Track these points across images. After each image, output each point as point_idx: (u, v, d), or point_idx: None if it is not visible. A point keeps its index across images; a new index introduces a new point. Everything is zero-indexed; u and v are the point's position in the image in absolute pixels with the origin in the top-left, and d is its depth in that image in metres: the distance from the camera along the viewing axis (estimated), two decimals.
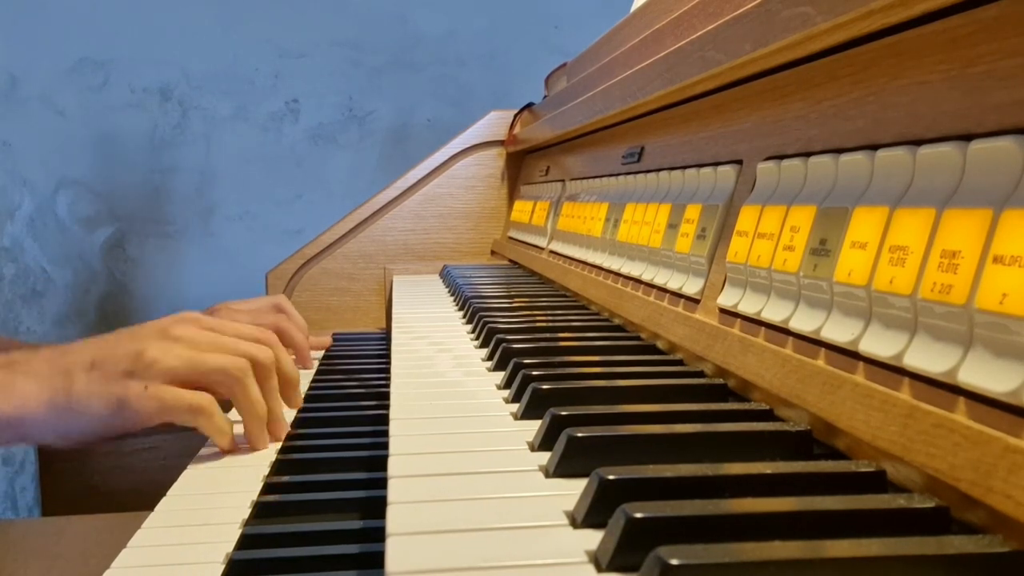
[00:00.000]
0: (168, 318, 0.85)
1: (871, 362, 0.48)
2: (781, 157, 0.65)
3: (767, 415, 0.56)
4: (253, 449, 0.82)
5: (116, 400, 0.77)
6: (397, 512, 0.45)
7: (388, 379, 0.78)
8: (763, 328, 0.61)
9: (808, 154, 0.61)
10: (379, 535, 0.45)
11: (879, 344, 0.47)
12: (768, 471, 0.44)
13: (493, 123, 1.77)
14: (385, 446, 0.57)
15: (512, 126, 1.73)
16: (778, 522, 0.38)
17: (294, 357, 1.18)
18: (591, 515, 0.42)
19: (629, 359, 0.75)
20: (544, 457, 0.52)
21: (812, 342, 0.55)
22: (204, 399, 0.78)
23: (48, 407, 0.77)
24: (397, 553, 0.40)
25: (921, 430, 0.41)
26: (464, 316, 1.09)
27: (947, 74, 0.47)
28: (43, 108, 2.46)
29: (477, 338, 0.93)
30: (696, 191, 0.81)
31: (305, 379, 1.16)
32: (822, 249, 0.55)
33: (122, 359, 0.78)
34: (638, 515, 0.38)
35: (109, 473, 1.87)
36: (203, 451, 0.82)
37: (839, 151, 0.57)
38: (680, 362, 0.73)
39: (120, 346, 0.80)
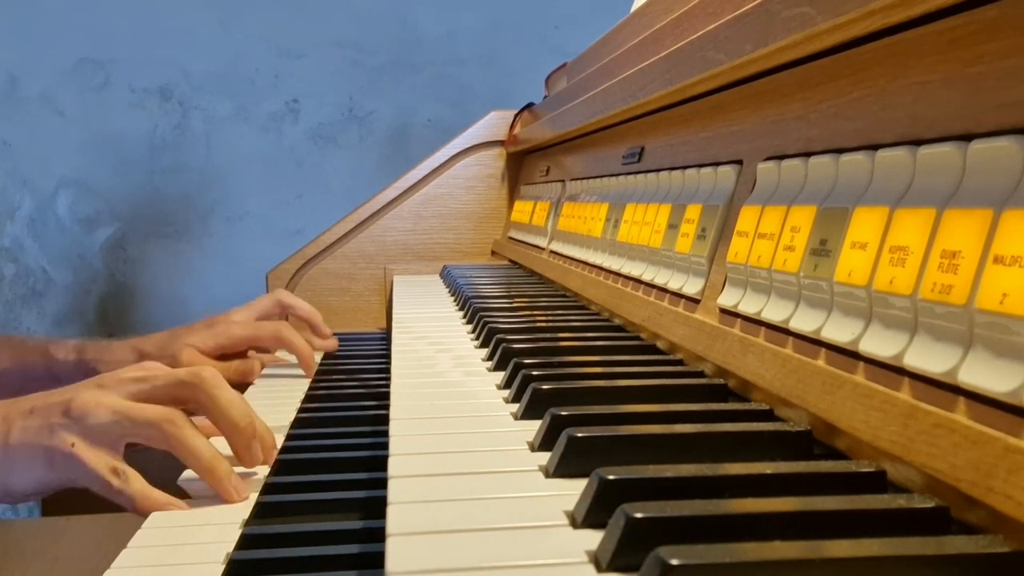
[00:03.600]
0: (113, 371, 0.79)
1: (871, 362, 0.48)
2: (781, 157, 0.65)
3: (767, 415, 0.56)
4: (225, 501, 0.72)
5: (45, 452, 0.73)
6: (397, 512, 0.45)
7: (388, 379, 0.78)
8: (763, 328, 0.61)
9: (808, 154, 0.61)
10: (379, 535, 0.45)
11: (879, 344, 0.47)
12: (768, 471, 0.44)
13: (493, 123, 1.77)
14: (385, 446, 0.57)
15: (512, 126, 1.73)
16: (778, 522, 0.38)
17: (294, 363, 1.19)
18: (591, 515, 0.42)
19: (629, 359, 0.75)
20: (544, 457, 0.52)
21: (812, 342, 0.55)
22: (119, 472, 0.71)
23: None
24: (397, 553, 0.40)
25: (921, 430, 0.41)
26: (464, 316, 1.09)
27: (947, 74, 0.47)
28: (43, 108, 2.46)
29: (477, 338, 0.93)
30: (696, 191, 0.81)
31: (305, 379, 1.16)
32: (822, 249, 0.55)
33: (52, 410, 0.74)
34: (638, 515, 0.38)
35: None
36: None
37: (839, 151, 0.57)
38: (680, 362, 0.73)
39: (54, 397, 0.75)
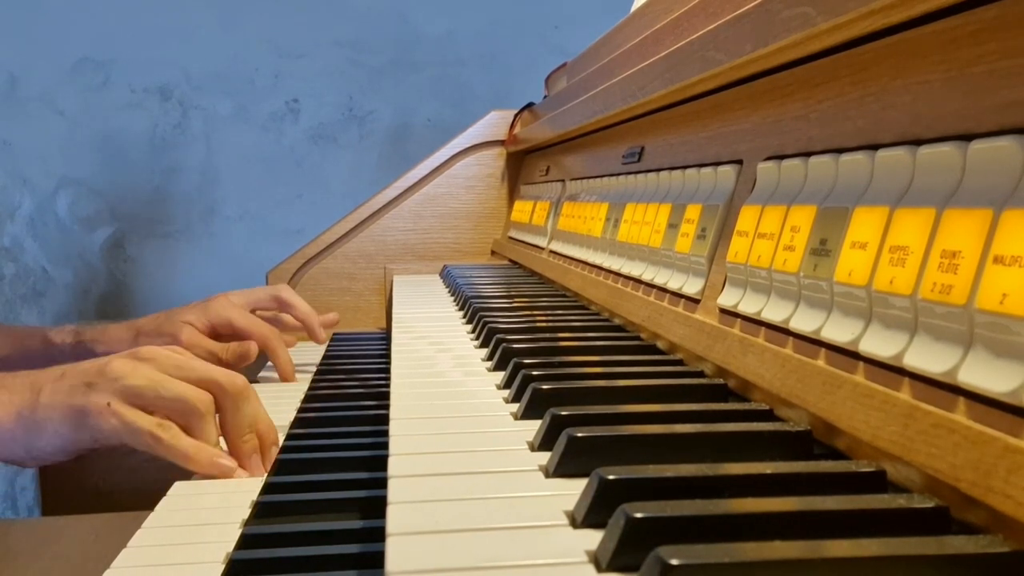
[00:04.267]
0: (144, 347, 0.82)
1: (871, 362, 0.48)
2: (781, 157, 0.65)
3: (767, 415, 0.56)
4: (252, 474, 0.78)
5: (76, 412, 0.75)
6: (397, 512, 0.45)
7: (388, 379, 0.78)
8: (763, 328, 0.61)
9: (808, 154, 0.61)
10: (379, 535, 0.45)
11: (879, 344, 0.47)
12: (768, 471, 0.44)
13: (493, 123, 1.77)
14: (385, 446, 0.57)
15: (512, 126, 1.73)
16: (778, 522, 0.38)
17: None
18: (591, 515, 0.42)
19: (629, 359, 0.75)
20: (544, 457, 0.52)
21: (812, 342, 0.55)
22: (166, 427, 0.74)
23: (16, 419, 0.76)
24: (397, 553, 0.40)
25: (921, 430, 0.41)
26: (464, 316, 1.09)
27: (947, 74, 0.47)
28: (43, 108, 2.46)
29: (477, 338, 0.93)
30: (696, 191, 0.81)
31: (307, 375, 1.16)
32: (822, 249, 0.55)
33: (86, 372, 0.76)
34: (638, 515, 0.38)
35: (109, 473, 1.87)
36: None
37: (839, 151, 0.57)
38: (680, 362, 0.73)
39: (90, 362, 0.78)
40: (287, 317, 1.28)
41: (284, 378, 1.18)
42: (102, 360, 0.77)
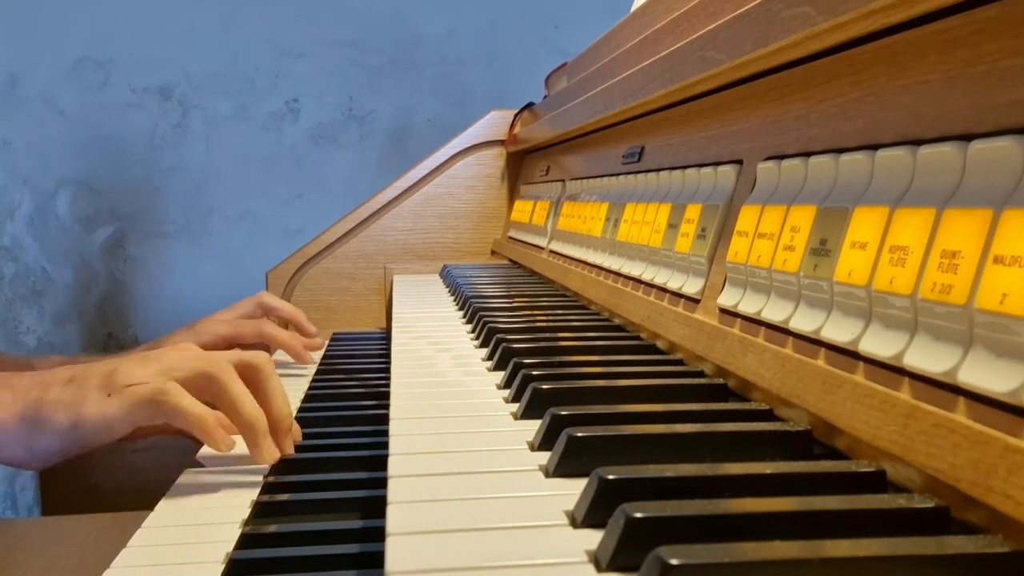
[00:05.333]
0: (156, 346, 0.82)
1: (871, 362, 0.48)
2: (781, 157, 0.65)
3: (767, 415, 0.56)
4: (256, 460, 0.75)
5: (76, 409, 0.74)
6: (397, 512, 0.45)
7: (388, 379, 0.78)
8: (763, 328, 0.61)
9: (808, 154, 0.61)
10: (379, 535, 0.45)
11: (879, 344, 0.47)
12: (768, 471, 0.44)
13: (493, 123, 1.77)
14: (385, 446, 0.57)
15: (512, 126, 1.73)
16: (778, 522, 0.38)
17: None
18: (591, 515, 0.42)
19: (629, 359, 0.75)
20: (544, 457, 0.52)
21: (812, 342, 0.55)
22: (169, 387, 0.73)
23: (19, 420, 0.75)
24: (397, 553, 0.40)
25: (921, 430, 0.41)
26: (464, 316, 1.09)
27: (947, 74, 0.47)
28: (43, 108, 2.46)
29: (477, 338, 0.93)
30: (696, 191, 0.81)
31: (304, 378, 1.16)
32: (822, 249, 0.55)
33: (95, 375, 0.76)
34: (638, 515, 0.38)
35: (109, 473, 1.87)
36: (203, 452, 0.82)
37: (839, 151, 0.57)
38: (680, 362, 0.73)
39: (100, 365, 0.77)
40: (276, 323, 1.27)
41: (298, 358, 1.18)
42: (111, 364, 0.76)
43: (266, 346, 1.19)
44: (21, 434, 0.75)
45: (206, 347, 1.16)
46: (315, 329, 1.27)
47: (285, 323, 1.27)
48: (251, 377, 0.77)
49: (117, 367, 0.75)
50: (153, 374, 0.74)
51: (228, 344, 1.17)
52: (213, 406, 0.75)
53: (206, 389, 0.75)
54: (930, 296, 0.43)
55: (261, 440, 0.74)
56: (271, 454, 0.75)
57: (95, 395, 0.74)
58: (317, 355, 1.30)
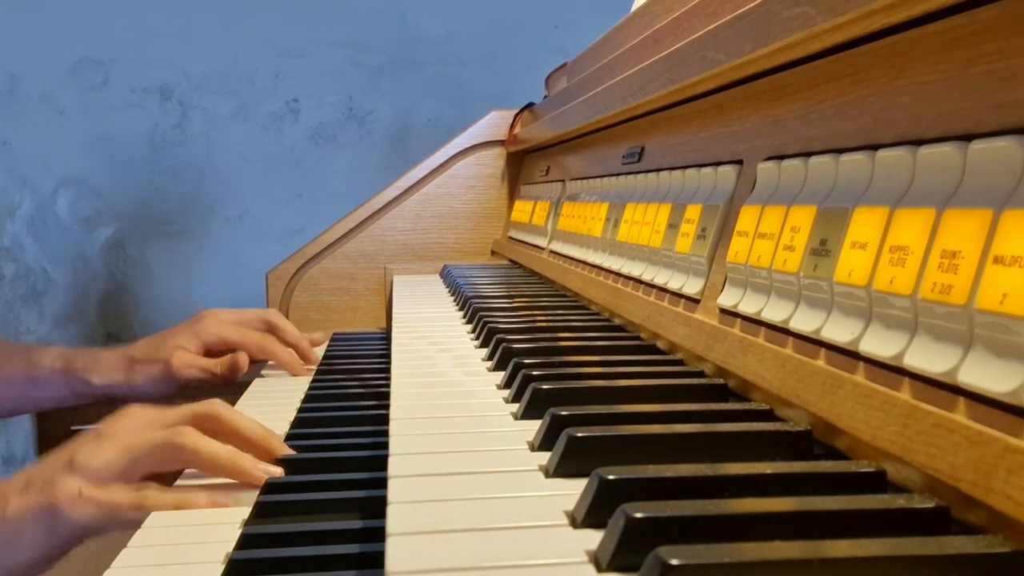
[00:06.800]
0: (109, 419, 0.77)
1: (871, 362, 0.48)
2: (781, 157, 0.65)
3: (767, 415, 0.56)
4: (253, 486, 0.73)
5: (47, 512, 0.68)
6: (397, 512, 0.45)
7: (388, 379, 0.78)
8: (763, 328, 0.61)
9: (808, 154, 0.61)
10: (379, 535, 0.45)
11: (879, 344, 0.47)
12: (768, 471, 0.44)
13: (493, 123, 1.77)
14: (385, 446, 0.57)
15: (512, 126, 1.73)
16: (778, 522, 0.38)
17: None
18: (591, 515, 0.42)
19: (629, 359, 0.75)
20: (544, 457, 0.52)
21: (812, 342, 0.55)
22: (144, 493, 0.70)
23: None
24: (397, 553, 0.40)
25: (921, 430, 0.41)
26: (464, 316, 1.09)
27: (947, 74, 0.47)
28: (43, 108, 2.46)
29: (477, 338, 0.93)
30: (696, 191, 0.81)
31: (305, 379, 1.16)
32: (822, 249, 0.55)
33: (51, 468, 0.71)
34: (638, 515, 0.38)
35: None
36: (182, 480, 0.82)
37: (839, 151, 0.57)
38: (680, 362, 0.73)
39: (54, 459, 0.72)
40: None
41: (293, 372, 1.18)
42: (65, 454, 0.72)
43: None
44: None
45: (207, 346, 1.16)
46: (317, 356, 1.26)
47: (286, 344, 1.26)
48: (212, 428, 0.76)
49: (73, 457, 0.71)
50: (112, 463, 0.70)
51: (229, 349, 1.16)
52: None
53: (176, 460, 0.73)
54: (930, 296, 0.43)
55: (247, 473, 0.73)
56: (260, 476, 0.73)
57: (65, 492, 0.69)
58: (318, 355, 1.29)
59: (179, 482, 0.77)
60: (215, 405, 0.77)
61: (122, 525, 0.69)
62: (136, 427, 0.75)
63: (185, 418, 0.76)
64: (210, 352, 1.17)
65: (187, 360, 1.14)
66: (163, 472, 0.74)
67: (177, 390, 1.16)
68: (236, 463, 0.73)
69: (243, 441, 0.76)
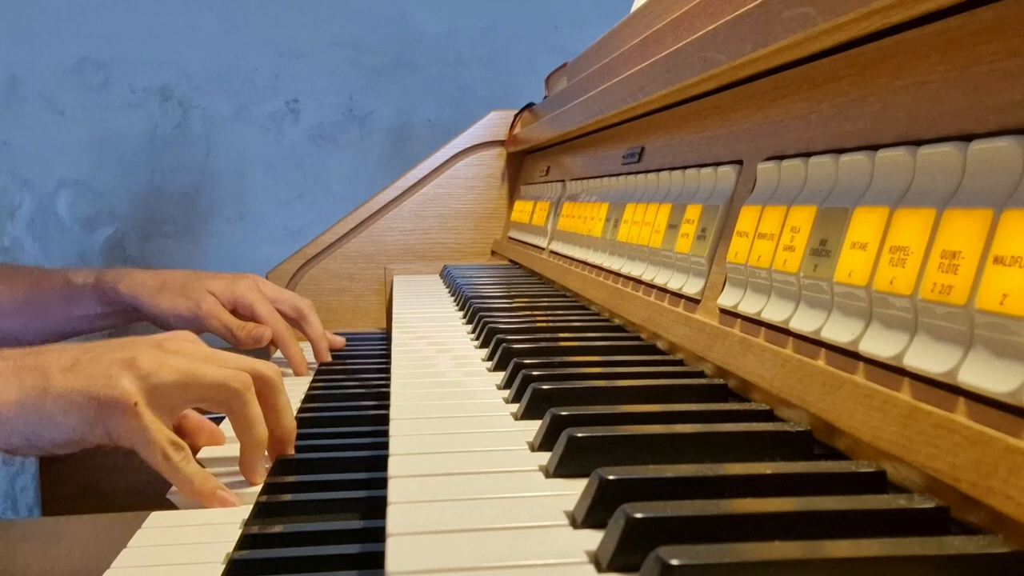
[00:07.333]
0: (164, 334, 0.78)
1: (871, 362, 0.48)
2: (781, 157, 0.65)
3: (767, 415, 0.56)
4: (248, 482, 0.74)
5: (98, 404, 0.68)
6: (397, 512, 0.45)
7: (388, 379, 0.78)
8: (763, 328, 0.61)
9: (808, 154, 0.61)
10: (379, 535, 0.45)
11: (879, 344, 0.47)
12: (768, 471, 0.44)
13: (493, 123, 1.77)
14: (385, 446, 0.57)
15: (512, 126, 1.73)
16: (778, 522, 0.38)
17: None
18: (591, 515, 0.42)
19: (629, 359, 0.75)
20: (544, 457, 0.52)
21: (812, 342, 0.55)
22: (179, 448, 0.70)
23: (16, 408, 0.68)
24: (397, 553, 0.40)
25: (921, 430, 0.41)
26: (464, 316, 1.09)
27: (947, 74, 0.47)
28: (43, 108, 2.46)
29: (477, 338, 0.93)
30: (696, 191, 0.81)
31: (305, 378, 1.16)
32: (822, 249, 0.55)
33: (111, 365, 0.70)
34: (638, 515, 0.38)
35: (109, 473, 1.87)
36: (203, 452, 0.82)
37: (839, 151, 0.57)
38: (680, 362, 0.73)
39: (108, 352, 0.71)
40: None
41: (297, 372, 1.19)
42: (127, 353, 0.71)
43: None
44: (18, 424, 0.69)
45: (236, 306, 1.16)
46: (329, 358, 1.26)
47: (307, 336, 1.26)
48: (263, 391, 0.76)
49: (135, 359, 0.70)
50: (173, 386, 0.71)
51: (250, 318, 1.17)
52: (201, 411, 0.74)
53: (223, 402, 0.73)
54: (930, 296, 0.43)
55: (257, 464, 0.74)
56: (261, 477, 0.75)
57: (123, 392, 0.68)
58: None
59: (202, 453, 0.78)
60: (272, 370, 0.77)
61: (145, 457, 0.69)
62: (200, 355, 0.75)
63: (248, 368, 0.75)
64: (235, 312, 1.17)
65: (215, 310, 1.15)
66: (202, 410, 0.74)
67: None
68: (258, 451, 0.74)
69: (274, 420, 0.77)
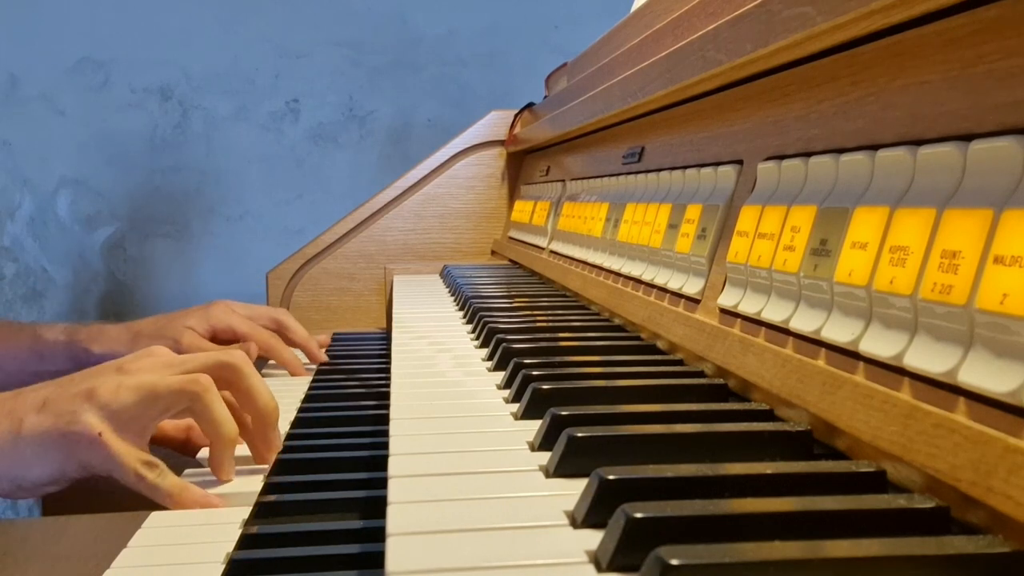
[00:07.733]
0: (133, 353, 0.78)
1: (871, 362, 0.48)
2: (781, 157, 0.65)
3: (767, 415, 0.56)
4: (219, 479, 0.74)
5: (65, 440, 0.70)
6: (397, 512, 0.45)
7: (388, 379, 0.78)
8: (763, 328, 0.61)
9: (809, 154, 0.61)
10: (379, 535, 0.45)
11: (879, 344, 0.47)
12: (768, 471, 0.44)
13: (493, 123, 1.77)
14: (385, 446, 0.57)
15: (512, 126, 1.73)
16: (778, 522, 0.38)
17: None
18: (591, 515, 0.42)
19: (629, 359, 0.75)
20: (544, 457, 0.52)
21: (812, 342, 0.55)
22: (151, 466, 0.71)
23: None
24: (397, 553, 0.40)
25: (921, 430, 0.41)
26: (464, 316, 1.09)
27: (947, 74, 0.47)
28: (43, 108, 2.46)
29: (477, 338, 0.93)
30: (696, 191, 0.81)
31: (305, 378, 1.16)
32: (822, 249, 0.55)
33: (72, 397, 0.71)
34: (638, 515, 0.38)
35: None
36: (203, 453, 0.82)
37: (839, 151, 0.57)
38: (680, 362, 0.73)
39: (73, 386, 0.73)
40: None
41: (294, 372, 1.19)
42: (87, 383, 0.72)
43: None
44: (0, 469, 0.71)
45: (216, 333, 1.16)
46: (324, 357, 1.26)
47: (293, 344, 1.26)
48: (232, 379, 0.76)
49: (94, 390, 0.71)
50: (132, 406, 0.71)
51: (234, 340, 1.16)
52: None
53: (188, 408, 0.73)
54: (930, 296, 0.43)
55: (226, 461, 0.75)
56: (230, 473, 0.75)
57: (87, 430, 0.70)
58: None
59: (202, 453, 0.79)
60: (236, 356, 0.77)
61: (121, 480, 0.71)
62: (161, 364, 0.75)
63: (207, 365, 0.75)
64: (216, 339, 1.17)
65: (196, 343, 1.14)
66: (174, 417, 0.75)
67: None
68: (227, 449, 0.74)
69: (251, 405, 0.77)
